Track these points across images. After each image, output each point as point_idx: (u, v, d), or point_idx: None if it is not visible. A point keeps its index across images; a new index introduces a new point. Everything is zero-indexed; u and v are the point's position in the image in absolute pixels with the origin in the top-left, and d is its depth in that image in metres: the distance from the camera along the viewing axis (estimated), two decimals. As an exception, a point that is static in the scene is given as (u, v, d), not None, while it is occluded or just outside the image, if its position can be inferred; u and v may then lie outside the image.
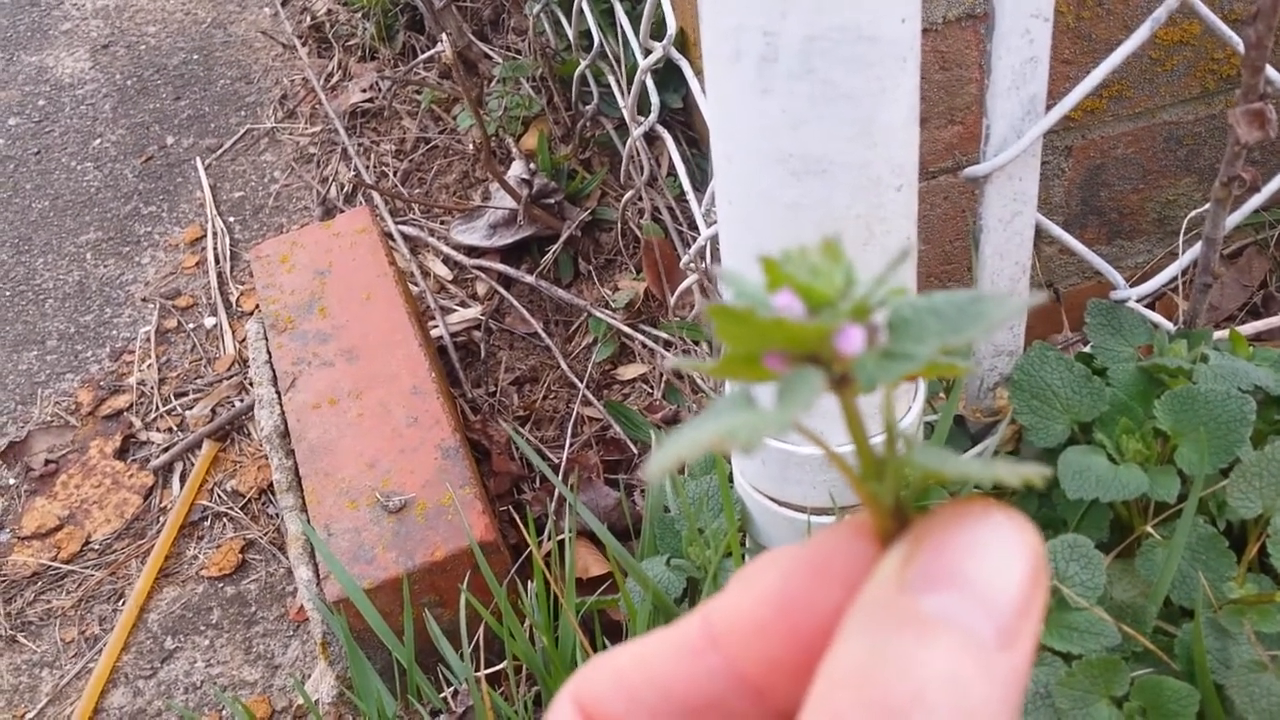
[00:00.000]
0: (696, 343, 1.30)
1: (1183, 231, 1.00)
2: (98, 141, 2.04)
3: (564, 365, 1.39)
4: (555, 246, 1.48)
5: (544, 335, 1.44)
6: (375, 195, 1.66)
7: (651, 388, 1.33)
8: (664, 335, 1.35)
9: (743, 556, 0.86)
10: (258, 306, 1.33)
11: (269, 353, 1.23)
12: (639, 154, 1.33)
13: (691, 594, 0.85)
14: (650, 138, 1.51)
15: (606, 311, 1.41)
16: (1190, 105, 1.17)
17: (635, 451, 1.26)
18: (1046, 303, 1.23)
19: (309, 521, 1.07)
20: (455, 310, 1.52)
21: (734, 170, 0.73)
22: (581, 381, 1.35)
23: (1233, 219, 0.77)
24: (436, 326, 1.48)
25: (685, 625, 0.25)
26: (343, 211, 1.69)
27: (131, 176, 1.95)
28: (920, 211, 1.25)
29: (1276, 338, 0.93)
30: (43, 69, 2.25)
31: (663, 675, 0.25)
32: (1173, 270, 0.80)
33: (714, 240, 1.11)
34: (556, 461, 1.27)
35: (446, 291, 1.55)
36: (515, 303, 1.48)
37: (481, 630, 1.00)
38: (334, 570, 0.99)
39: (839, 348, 0.20)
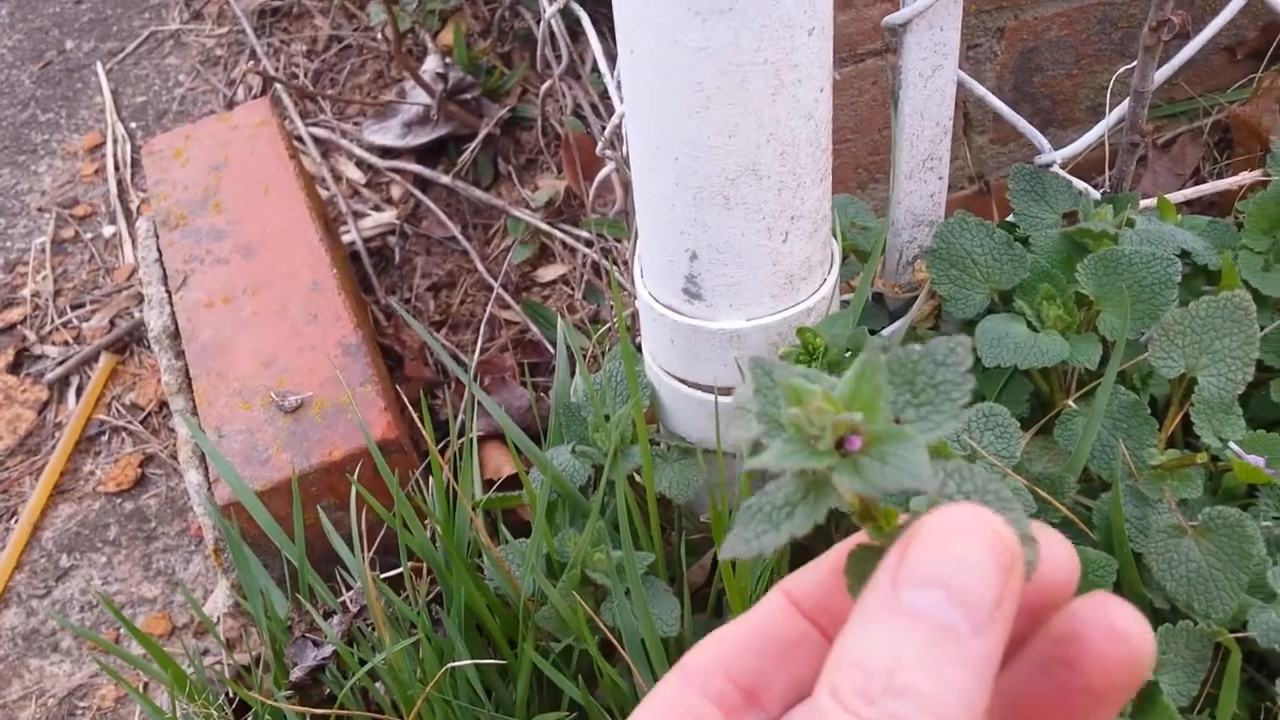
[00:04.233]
0: (619, 240, 1.24)
1: (1109, 89, 0.95)
2: (-9, 47, 1.92)
3: (481, 268, 1.33)
4: (473, 145, 1.40)
5: (461, 239, 1.37)
6: (283, 95, 1.57)
7: (572, 288, 1.27)
8: (584, 234, 1.29)
9: (651, 442, 0.82)
10: (146, 202, 1.25)
11: (159, 251, 1.15)
12: (555, 36, 1.26)
13: (596, 481, 0.81)
14: (575, 33, 1.43)
15: (526, 211, 1.34)
16: (1126, -15, 1.12)
17: (554, 353, 1.20)
18: (976, 193, 1.19)
19: (200, 424, 1.00)
20: (368, 215, 1.44)
21: (635, 11, 0.67)
22: (498, 282, 1.29)
23: (1162, 73, 0.73)
24: (349, 232, 1.41)
25: (770, 601, 0.33)
26: (251, 115, 1.59)
27: (29, 83, 1.84)
28: (848, 99, 1.19)
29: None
30: (-68, -28, 2.11)
31: (761, 632, 0.32)
32: (1100, 129, 0.75)
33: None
34: (472, 365, 1.22)
35: (360, 195, 1.48)
36: (432, 205, 1.41)
37: (384, 534, 0.95)
38: (222, 471, 0.93)
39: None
